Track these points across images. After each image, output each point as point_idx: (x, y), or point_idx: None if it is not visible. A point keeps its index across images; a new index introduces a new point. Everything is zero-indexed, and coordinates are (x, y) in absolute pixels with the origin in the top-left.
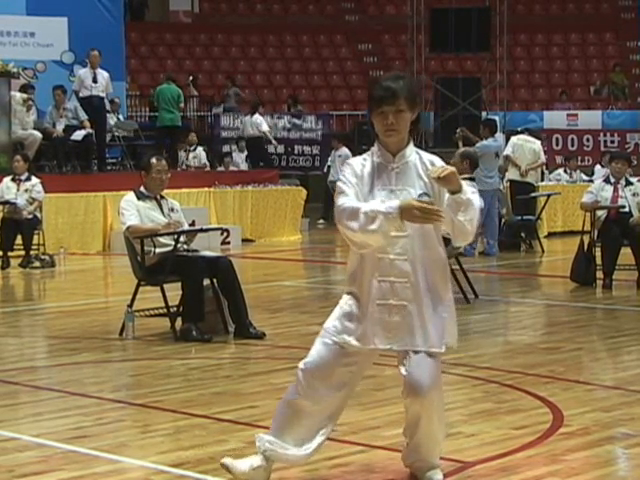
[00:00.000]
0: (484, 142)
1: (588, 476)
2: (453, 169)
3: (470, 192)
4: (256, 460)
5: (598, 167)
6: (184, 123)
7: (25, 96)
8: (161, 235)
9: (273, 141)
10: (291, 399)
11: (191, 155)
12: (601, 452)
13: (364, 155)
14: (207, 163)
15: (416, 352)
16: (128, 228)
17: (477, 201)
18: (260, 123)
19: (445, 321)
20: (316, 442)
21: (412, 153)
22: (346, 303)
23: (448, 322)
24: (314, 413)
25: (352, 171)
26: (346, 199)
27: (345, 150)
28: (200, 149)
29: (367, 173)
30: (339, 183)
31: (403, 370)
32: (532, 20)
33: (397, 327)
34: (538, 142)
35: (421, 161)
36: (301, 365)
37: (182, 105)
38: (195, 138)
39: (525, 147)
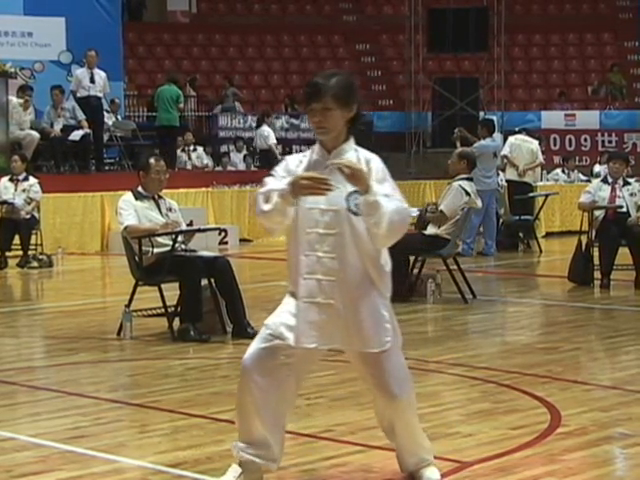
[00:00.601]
0: (482, 142)
1: (586, 476)
2: (361, 168)
3: (381, 195)
4: (235, 469)
5: (598, 166)
6: (182, 123)
7: (21, 100)
8: (159, 235)
9: (278, 156)
10: (239, 399)
11: (194, 155)
12: (599, 452)
13: (306, 152)
14: (209, 163)
15: (368, 355)
16: (126, 228)
17: (389, 205)
18: (267, 136)
19: (383, 319)
20: (278, 439)
21: (350, 151)
22: (285, 301)
23: (387, 320)
24: (262, 409)
25: (284, 166)
26: (262, 187)
27: None
28: (201, 149)
29: (302, 169)
30: (268, 177)
31: (366, 375)
32: (530, 20)
33: (324, 326)
34: (536, 142)
35: (357, 159)
36: (241, 365)
37: (181, 105)
38: (192, 137)
39: (523, 147)
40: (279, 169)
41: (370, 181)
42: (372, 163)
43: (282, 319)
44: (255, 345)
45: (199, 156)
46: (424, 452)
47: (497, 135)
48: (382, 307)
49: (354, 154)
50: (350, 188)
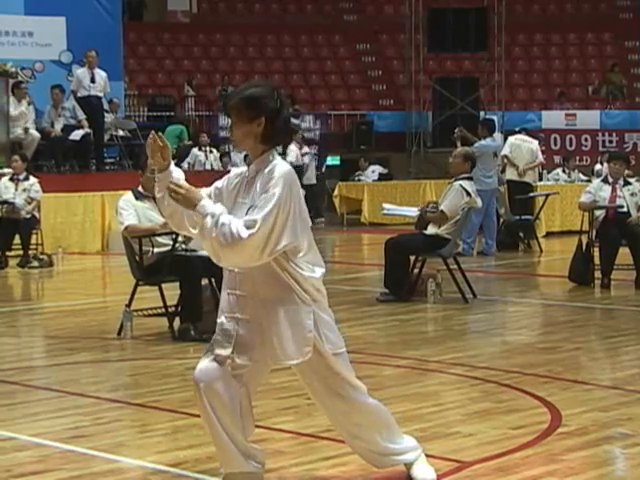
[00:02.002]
0: (482, 142)
1: (586, 476)
2: (182, 191)
3: (207, 218)
4: None
5: (599, 165)
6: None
7: (18, 103)
8: (159, 235)
9: (304, 169)
10: (201, 415)
11: (211, 156)
12: (599, 452)
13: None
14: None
15: (322, 360)
16: (126, 228)
17: (209, 230)
18: (289, 152)
19: (304, 329)
20: (241, 449)
21: (264, 164)
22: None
23: (309, 329)
24: (220, 422)
25: (227, 175)
26: None
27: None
28: (215, 151)
29: (234, 183)
30: None
31: (319, 382)
32: (530, 20)
33: (242, 341)
34: (535, 142)
35: (266, 171)
36: (193, 375)
37: (185, 141)
38: (207, 139)
39: (522, 147)
40: (216, 182)
41: (197, 202)
42: (270, 175)
43: (214, 338)
44: (204, 356)
45: (216, 158)
46: (397, 452)
47: (497, 135)
48: (305, 317)
49: (270, 167)
50: (250, 203)
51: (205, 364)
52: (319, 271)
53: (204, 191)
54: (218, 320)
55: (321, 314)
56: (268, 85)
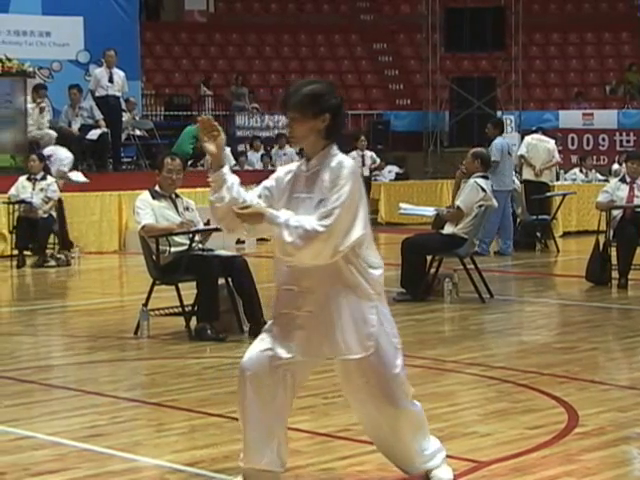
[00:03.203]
0: (495, 141)
1: (603, 476)
2: (248, 213)
3: (278, 227)
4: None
5: (616, 166)
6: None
7: (34, 105)
8: (176, 234)
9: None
10: (242, 402)
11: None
12: (616, 452)
13: (300, 162)
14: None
15: (366, 360)
16: (143, 227)
17: (284, 237)
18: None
19: (367, 323)
20: (275, 444)
21: (328, 159)
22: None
23: (373, 324)
24: (259, 415)
25: (275, 174)
26: None
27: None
28: (228, 149)
29: (287, 180)
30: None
31: (360, 384)
32: (547, 19)
33: (302, 337)
34: (552, 141)
35: (329, 165)
36: (238, 369)
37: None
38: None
39: (539, 147)
40: (265, 180)
41: (264, 214)
42: (337, 168)
43: (268, 329)
44: (250, 348)
45: (226, 156)
46: (427, 458)
47: (515, 134)
48: (368, 312)
49: (330, 162)
50: (318, 197)
51: (256, 353)
52: (380, 265)
53: (254, 192)
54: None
55: (384, 309)
56: (326, 82)
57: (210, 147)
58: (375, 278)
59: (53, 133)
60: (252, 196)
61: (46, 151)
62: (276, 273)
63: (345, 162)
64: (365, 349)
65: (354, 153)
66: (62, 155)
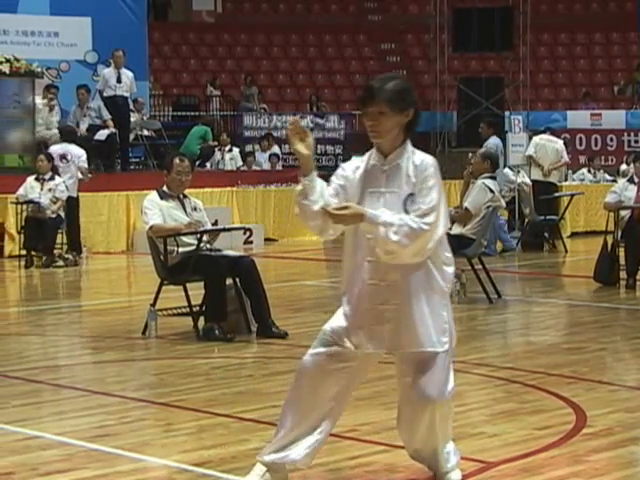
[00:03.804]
0: (489, 140)
1: (611, 477)
2: (348, 213)
3: (380, 226)
4: (260, 468)
5: (624, 166)
6: (202, 154)
7: (45, 101)
8: (184, 235)
9: None
10: (291, 398)
11: (228, 156)
12: (624, 453)
13: (363, 156)
14: (242, 164)
15: (418, 355)
16: (151, 227)
17: (387, 235)
18: None
19: (442, 320)
20: (311, 441)
21: (406, 154)
22: (342, 306)
23: (446, 321)
24: (310, 413)
25: (341, 172)
26: None
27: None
28: (236, 150)
29: (359, 175)
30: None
31: (407, 376)
32: (555, 19)
33: (387, 331)
34: (560, 141)
35: (412, 161)
36: (298, 366)
37: (209, 142)
38: (227, 138)
39: (548, 147)
40: (335, 177)
41: (363, 214)
42: (424, 165)
43: (341, 325)
44: (312, 351)
45: (233, 157)
46: (445, 463)
47: (522, 135)
48: (442, 308)
49: (410, 157)
50: (406, 191)
51: (315, 352)
52: (452, 262)
53: (329, 190)
54: (345, 311)
55: (450, 307)
56: (404, 78)
57: (301, 149)
58: (448, 275)
59: None
60: (331, 191)
61: (57, 150)
62: (352, 270)
63: (430, 159)
64: (441, 344)
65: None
66: (78, 152)
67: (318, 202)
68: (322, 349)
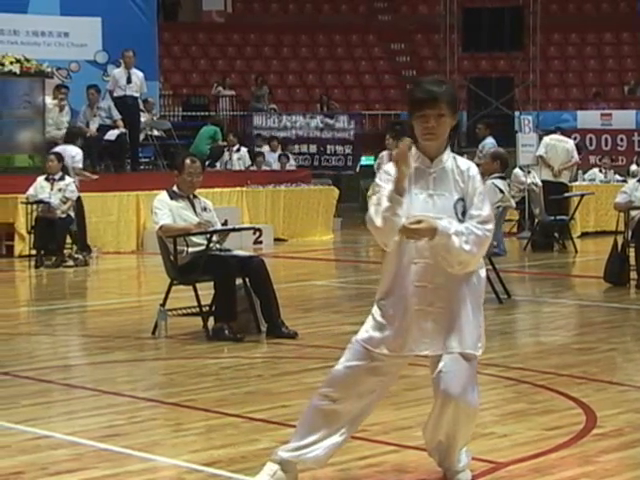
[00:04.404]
0: (486, 140)
1: (621, 477)
2: (423, 227)
3: (452, 237)
4: (271, 467)
5: (634, 166)
6: (212, 153)
7: (56, 101)
8: (194, 235)
9: None
10: (317, 405)
11: (235, 156)
12: (635, 453)
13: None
14: (250, 164)
15: (450, 355)
16: (161, 227)
17: (461, 245)
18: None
19: (479, 323)
20: (331, 442)
21: (449, 158)
22: (377, 312)
23: (481, 326)
24: (337, 418)
25: (387, 178)
26: (375, 207)
27: None
28: (244, 150)
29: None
30: (374, 193)
31: (436, 373)
32: (566, 19)
33: (433, 333)
34: (571, 141)
35: (457, 166)
36: (331, 372)
37: (218, 142)
38: (235, 139)
39: (558, 147)
40: (384, 183)
41: (437, 224)
42: (471, 171)
43: (375, 332)
44: (346, 359)
45: (241, 157)
46: (457, 462)
47: (532, 135)
48: (478, 312)
49: (452, 161)
50: (456, 195)
51: (355, 363)
52: (483, 265)
53: (384, 197)
54: (382, 316)
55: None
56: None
57: (406, 171)
58: (482, 279)
59: None
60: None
61: (57, 150)
62: (397, 273)
63: (474, 165)
64: (477, 349)
65: (384, 153)
66: (72, 152)
67: (402, 218)
68: (356, 362)
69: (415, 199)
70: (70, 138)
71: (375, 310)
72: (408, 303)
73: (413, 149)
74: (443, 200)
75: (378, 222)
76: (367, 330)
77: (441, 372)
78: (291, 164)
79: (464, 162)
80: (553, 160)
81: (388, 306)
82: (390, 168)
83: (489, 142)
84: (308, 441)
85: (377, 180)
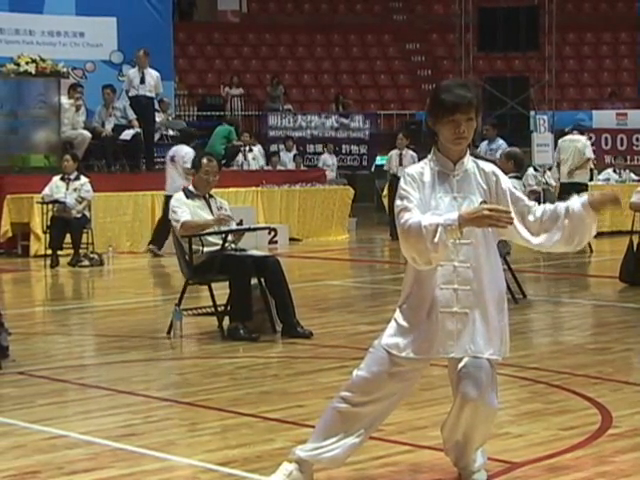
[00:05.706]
0: (499, 142)
1: (637, 478)
2: (500, 209)
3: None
4: (287, 468)
5: None
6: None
7: (72, 101)
8: (211, 234)
9: None
10: (337, 407)
11: (250, 156)
12: None
13: (420, 164)
14: (264, 165)
15: (474, 358)
16: (182, 225)
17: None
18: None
19: (505, 329)
20: (349, 443)
21: (469, 161)
22: (400, 317)
23: (506, 330)
24: (357, 420)
25: (412, 182)
26: (409, 215)
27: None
28: (257, 149)
29: (427, 182)
30: (400, 198)
31: (457, 373)
32: (581, 19)
33: (459, 335)
34: (583, 139)
35: (479, 169)
36: (352, 376)
37: (234, 141)
38: (249, 138)
39: (569, 148)
40: (409, 188)
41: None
42: (497, 172)
43: (398, 337)
44: (367, 364)
45: (255, 157)
46: (473, 463)
47: (547, 135)
48: (502, 315)
49: (473, 164)
50: (479, 198)
51: (377, 369)
52: (503, 269)
53: (413, 205)
54: (407, 321)
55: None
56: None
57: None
58: (504, 282)
59: (87, 133)
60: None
61: (170, 152)
62: (422, 276)
63: (496, 169)
64: (503, 353)
65: (393, 152)
66: (182, 152)
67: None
68: (377, 367)
69: (440, 202)
70: (184, 138)
71: (398, 315)
72: (433, 306)
73: (436, 153)
74: (468, 202)
75: (440, 247)
76: (391, 335)
77: (461, 372)
78: (332, 163)
79: (486, 165)
80: (564, 161)
81: (412, 310)
82: (413, 171)
83: (501, 143)
84: (327, 442)
85: (402, 184)
